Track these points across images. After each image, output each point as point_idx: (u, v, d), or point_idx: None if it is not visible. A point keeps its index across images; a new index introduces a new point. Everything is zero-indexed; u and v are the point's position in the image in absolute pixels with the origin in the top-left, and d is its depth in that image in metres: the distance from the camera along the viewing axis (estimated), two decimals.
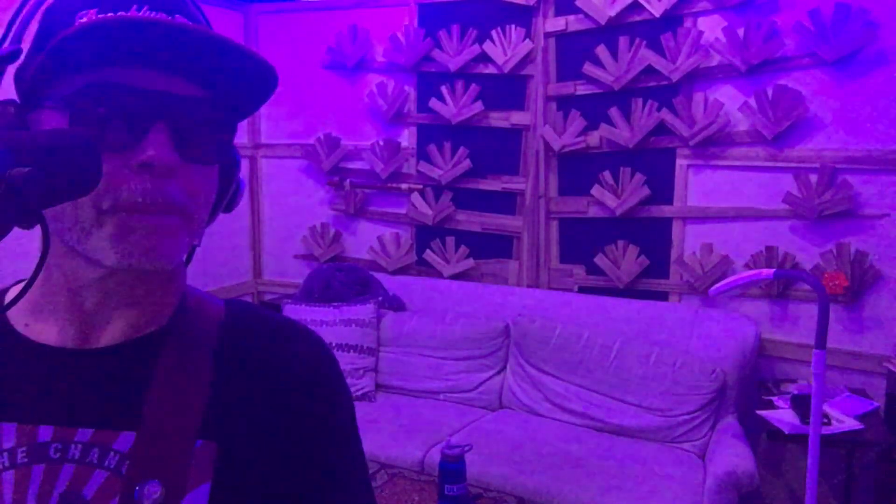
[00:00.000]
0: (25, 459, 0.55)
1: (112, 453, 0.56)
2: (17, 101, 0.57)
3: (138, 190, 0.53)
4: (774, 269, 1.93)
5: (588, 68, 3.11)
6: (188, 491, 0.56)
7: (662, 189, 3.07)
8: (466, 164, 3.42)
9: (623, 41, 3.04)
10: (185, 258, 0.67)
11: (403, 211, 3.63)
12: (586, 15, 3.10)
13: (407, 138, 3.58)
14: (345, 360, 3.17)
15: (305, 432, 0.62)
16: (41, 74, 0.55)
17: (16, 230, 0.44)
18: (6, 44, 0.56)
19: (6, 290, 0.65)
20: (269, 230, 4.01)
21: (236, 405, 0.60)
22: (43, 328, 0.60)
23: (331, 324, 3.24)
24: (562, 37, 3.20)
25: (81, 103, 0.54)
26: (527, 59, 3.25)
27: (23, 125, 0.56)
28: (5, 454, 0.55)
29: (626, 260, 3.15)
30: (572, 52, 3.18)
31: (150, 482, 0.55)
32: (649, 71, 3.01)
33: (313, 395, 0.64)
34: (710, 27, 2.91)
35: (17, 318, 0.61)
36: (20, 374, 0.58)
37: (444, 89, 3.41)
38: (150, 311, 0.61)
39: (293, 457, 0.61)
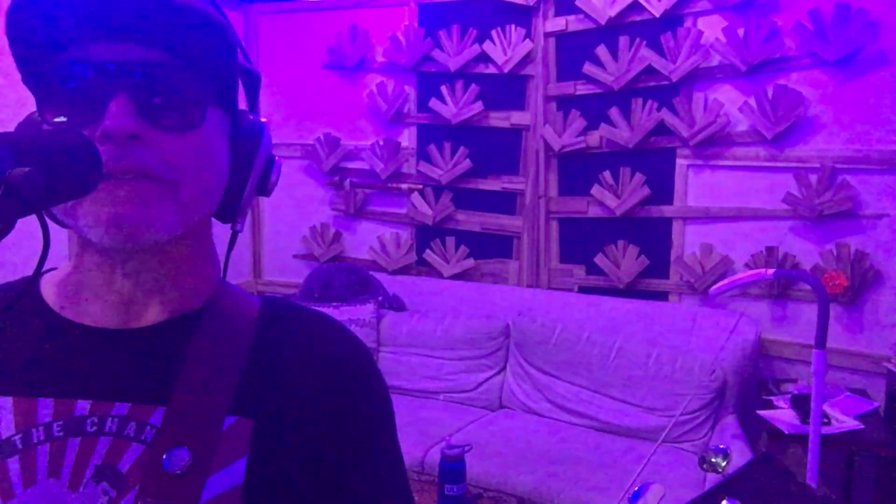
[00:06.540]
0: (61, 433, 0.55)
1: (148, 427, 0.56)
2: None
3: (105, 157, 0.52)
4: (774, 269, 1.93)
5: (588, 68, 3.11)
6: (224, 465, 0.56)
7: (662, 189, 3.07)
8: (466, 164, 3.42)
9: (623, 41, 3.04)
10: (228, 249, 0.69)
11: (403, 211, 3.63)
12: (586, 15, 3.10)
13: (407, 138, 3.58)
14: None
15: (340, 419, 0.63)
16: (22, 63, 0.57)
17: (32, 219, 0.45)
18: None
19: (42, 276, 0.65)
20: (269, 230, 4.00)
21: (272, 386, 0.61)
22: (81, 309, 0.60)
23: None
24: (562, 37, 3.20)
25: (45, 84, 0.55)
26: (527, 59, 3.25)
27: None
28: (41, 428, 0.55)
29: (626, 260, 3.15)
30: (572, 52, 3.17)
31: (179, 449, 0.55)
32: (649, 71, 3.01)
33: (349, 384, 0.64)
34: (710, 27, 2.90)
35: (55, 300, 0.61)
36: (59, 353, 0.59)
37: (444, 89, 3.41)
38: (185, 294, 0.62)
39: (327, 441, 0.62)
